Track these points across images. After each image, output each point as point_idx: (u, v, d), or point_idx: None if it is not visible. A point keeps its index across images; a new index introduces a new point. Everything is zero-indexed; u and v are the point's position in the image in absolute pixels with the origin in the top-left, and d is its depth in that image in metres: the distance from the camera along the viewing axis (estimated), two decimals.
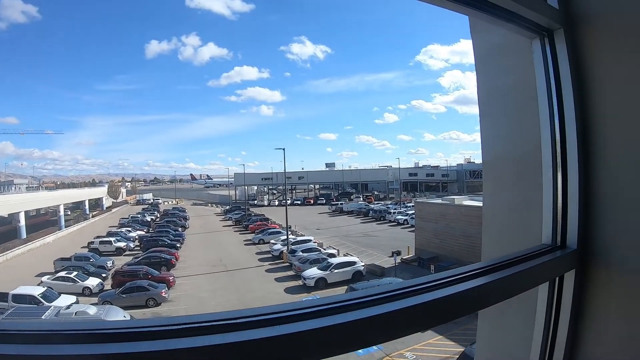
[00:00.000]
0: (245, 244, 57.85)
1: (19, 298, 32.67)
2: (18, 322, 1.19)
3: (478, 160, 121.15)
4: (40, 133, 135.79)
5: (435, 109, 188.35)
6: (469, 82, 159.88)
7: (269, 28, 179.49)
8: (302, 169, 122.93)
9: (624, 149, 2.13)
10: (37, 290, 34.27)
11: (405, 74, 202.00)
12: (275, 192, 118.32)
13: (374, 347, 24.52)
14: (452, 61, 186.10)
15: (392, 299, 1.49)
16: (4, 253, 53.98)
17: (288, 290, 36.99)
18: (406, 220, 66.36)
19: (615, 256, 2.11)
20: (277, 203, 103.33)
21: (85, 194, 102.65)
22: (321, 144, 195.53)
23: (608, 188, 2.15)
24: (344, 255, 44.74)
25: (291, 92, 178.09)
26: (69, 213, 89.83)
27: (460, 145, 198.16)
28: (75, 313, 29.32)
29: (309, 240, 52.14)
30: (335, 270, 38.01)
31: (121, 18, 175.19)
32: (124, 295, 34.12)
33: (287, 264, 44.34)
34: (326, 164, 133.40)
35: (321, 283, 36.96)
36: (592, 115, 2.16)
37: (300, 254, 44.24)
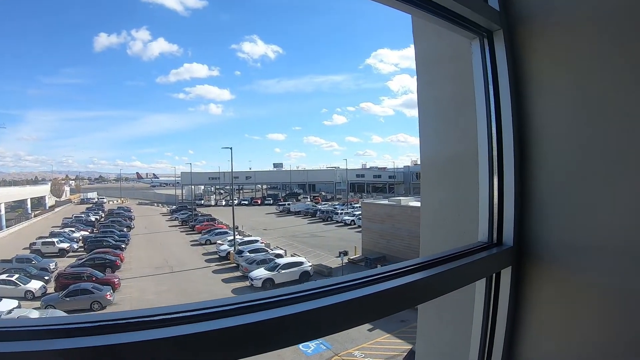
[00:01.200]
0: (191, 245, 57.17)
1: None
2: None
3: None
4: None
5: (383, 112, 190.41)
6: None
7: (221, 25, 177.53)
8: (250, 169, 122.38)
9: (558, 150, 2.20)
10: None
11: (354, 76, 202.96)
12: (222, 192, 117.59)
13: (322, 347, 24.73)
14: (401, 65, 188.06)
15: (332, 293, 1.51)
16: None
17: (235, 291, 36.78)
18: (353, 220, 66.79)
19: (549, 253, 2.18)
20: (224, 203, 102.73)
21: (27, 192, 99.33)
22: (270, 144, 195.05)
23: (543, 187, 2.22)
24: (292, 256, 44.87)
25: (241, 91, 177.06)
26: (10, 212, 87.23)
27: (408, 148, 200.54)
28: (18, 318, 28.47)
29: (256, 241, 51.94)
30: (283, 271, 38.13)
31: (70, 8, 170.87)
32: (67, 299, 33.29)
33: (234, 264, 44.08)
34: (274, 164, 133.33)
35: (268, 284, 36.90)
36: (529, 116, 2.23)
37: (248, 254, 44.13)
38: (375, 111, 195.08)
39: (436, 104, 2.80)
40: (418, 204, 44.14)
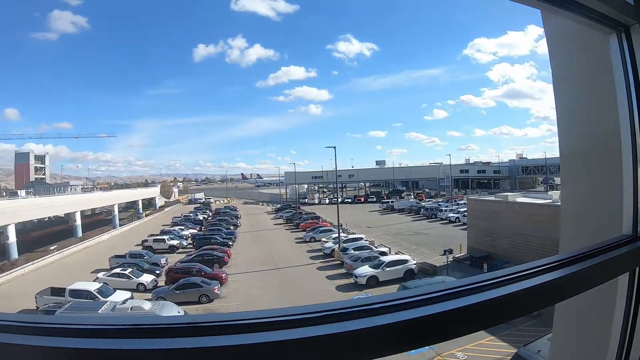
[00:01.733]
0: (296, 242, 58.16)
1: (76, 293, 33.78)
2: (76, 316, 1.20)
3: (530, 155, 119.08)
4: (93, 137, 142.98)
5: (484, 104, 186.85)
6: (518, 75, 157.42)
7: (314, 27, 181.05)
8: (352, 167, 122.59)
9: None
10: (93, 286, 35.39)
11: (452, 69, 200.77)
12: (325, 190, 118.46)
13: (425, 347, 24.32)
14: (500, 54, 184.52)
15: (451, 297, 1.45)
16: (61, 251, 55.91)
17: (339, 288, 37.00)
18: (458, 218, 65.32)
19: None
20: (327, 201, 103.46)
21: (138, 194, 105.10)
22: (371, 142, 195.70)
23: None
24: (396, 254, 44.49)
25: (339, 90, 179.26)
26: (123, 212, 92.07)
27: (512, 141, 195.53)
28: (131, 308, 29.87)
29: (360, 238, 51.95)
30: (387, 269, 37.79)
31: (168, 24, 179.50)
32: (177, 292, 34.75)
33: (339, 262, 44.27)
34: (376, 161, 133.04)
35: (373, 281, 36.82)
36: None
37: (352, 252, 44.24)
38: (476, 103, 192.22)
39: (574, 99, 2.74)
40: (525, 200, 42.81)
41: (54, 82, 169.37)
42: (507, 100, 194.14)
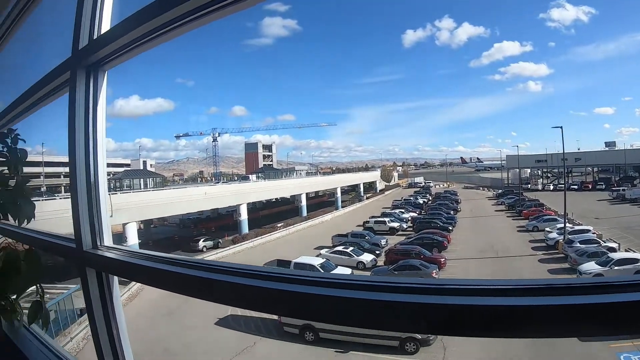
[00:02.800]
0: (517, 231, 55.85)
1: (300, 266, 36.69)
2: (297, 271, 1.78)
3: None
4: (315, 126, 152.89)
5: None
6: None
7: None
8: (579, 149, 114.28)
9: None
10: (316, 261, 38.73)
11: None
12: (549, 175, 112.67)
13: None
14: None
15: None
16: (288, 227, 61.09)
17: None
18: None
19: None
20: (552, 187, 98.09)
21: (359, 178, 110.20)
22: (596, 120, 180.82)
23: None
24: (626, 251, 40.69)
25: (557, 63, 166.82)
26: (344, 195, 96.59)
27: None
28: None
29: (588, 231, 47.83)
30: (616, 267, 34.70)
31: (375, 14, 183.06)
32: (396, 272, 35.90)
33: (562, 255, 41.71)
34: (605, 142, 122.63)
35: None
36: None
37: (578, 245, 41.29)
38: None
39: None
40: None
41: (274, 79, 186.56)
42: None
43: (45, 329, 3.48)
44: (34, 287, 3.37)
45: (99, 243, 2.69)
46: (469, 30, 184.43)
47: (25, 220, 3.49)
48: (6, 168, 3.54)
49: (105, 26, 2.58)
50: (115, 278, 2.66)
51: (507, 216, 67.84)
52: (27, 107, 3.83)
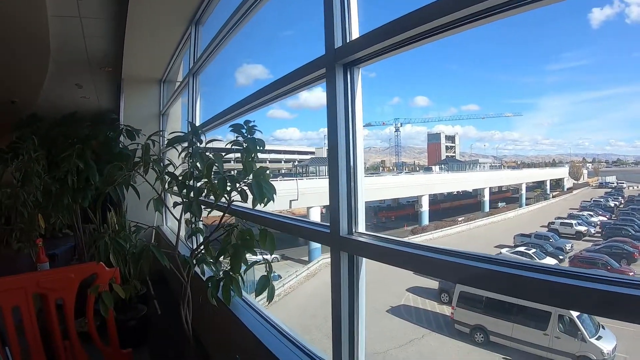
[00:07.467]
0: None
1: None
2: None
3: None
4: (499, 116, 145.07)
5: None
6: None
7: None
8: None
9: None
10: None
11: None
12: None
13: None
14: None
15: None
16: (468, 222, 59.83)
17: None
18: None
19: None
20: None
21: (545, 174, 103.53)
22: None
23: None
24: None
25: None
26: (529, 192, 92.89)
27: None
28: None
29: None
30: None
31: None
32: None
33: None
34: None
35: None
36: None
37: None
38: None
39: None
40: None
41: (456, 69, 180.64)
42: None
43: (269, 302, 3.86)
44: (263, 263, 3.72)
45: (354, 230, 2.87)
46: None
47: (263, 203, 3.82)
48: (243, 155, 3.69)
49: (355, 31, 2.87)
50: (364, 262, 2.85)
51: None
52: (283, 92, 4.18)
